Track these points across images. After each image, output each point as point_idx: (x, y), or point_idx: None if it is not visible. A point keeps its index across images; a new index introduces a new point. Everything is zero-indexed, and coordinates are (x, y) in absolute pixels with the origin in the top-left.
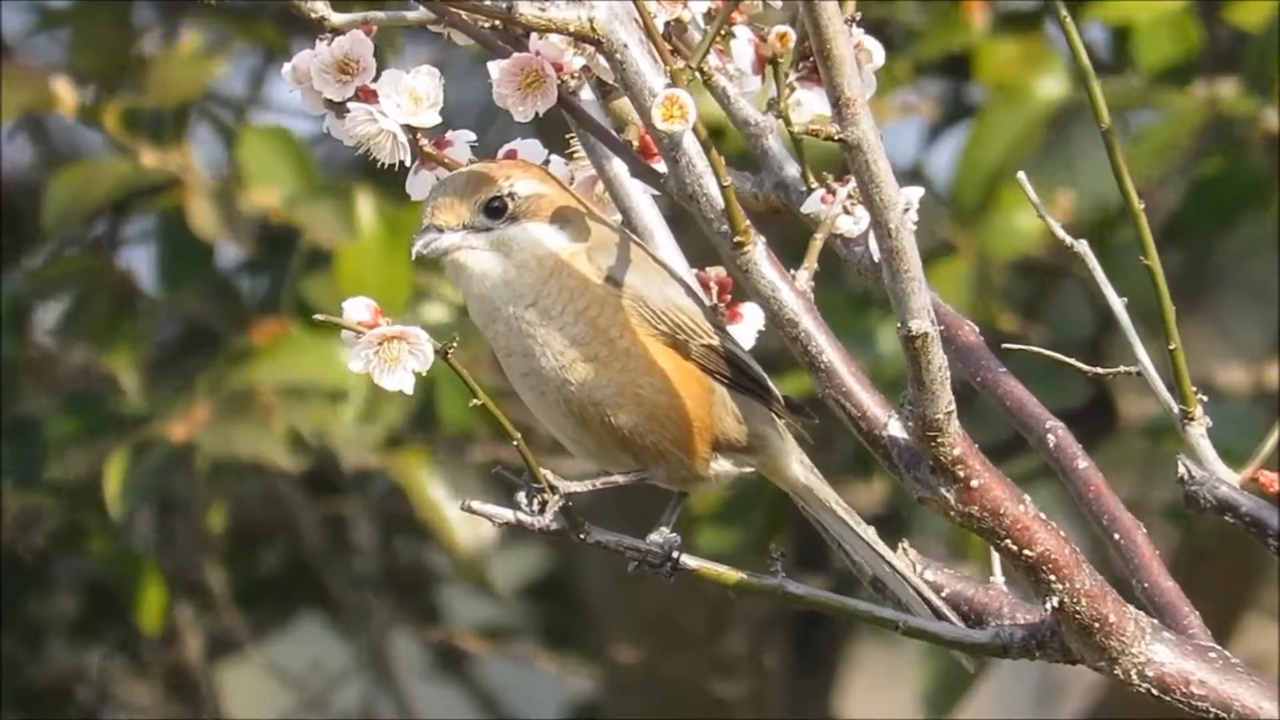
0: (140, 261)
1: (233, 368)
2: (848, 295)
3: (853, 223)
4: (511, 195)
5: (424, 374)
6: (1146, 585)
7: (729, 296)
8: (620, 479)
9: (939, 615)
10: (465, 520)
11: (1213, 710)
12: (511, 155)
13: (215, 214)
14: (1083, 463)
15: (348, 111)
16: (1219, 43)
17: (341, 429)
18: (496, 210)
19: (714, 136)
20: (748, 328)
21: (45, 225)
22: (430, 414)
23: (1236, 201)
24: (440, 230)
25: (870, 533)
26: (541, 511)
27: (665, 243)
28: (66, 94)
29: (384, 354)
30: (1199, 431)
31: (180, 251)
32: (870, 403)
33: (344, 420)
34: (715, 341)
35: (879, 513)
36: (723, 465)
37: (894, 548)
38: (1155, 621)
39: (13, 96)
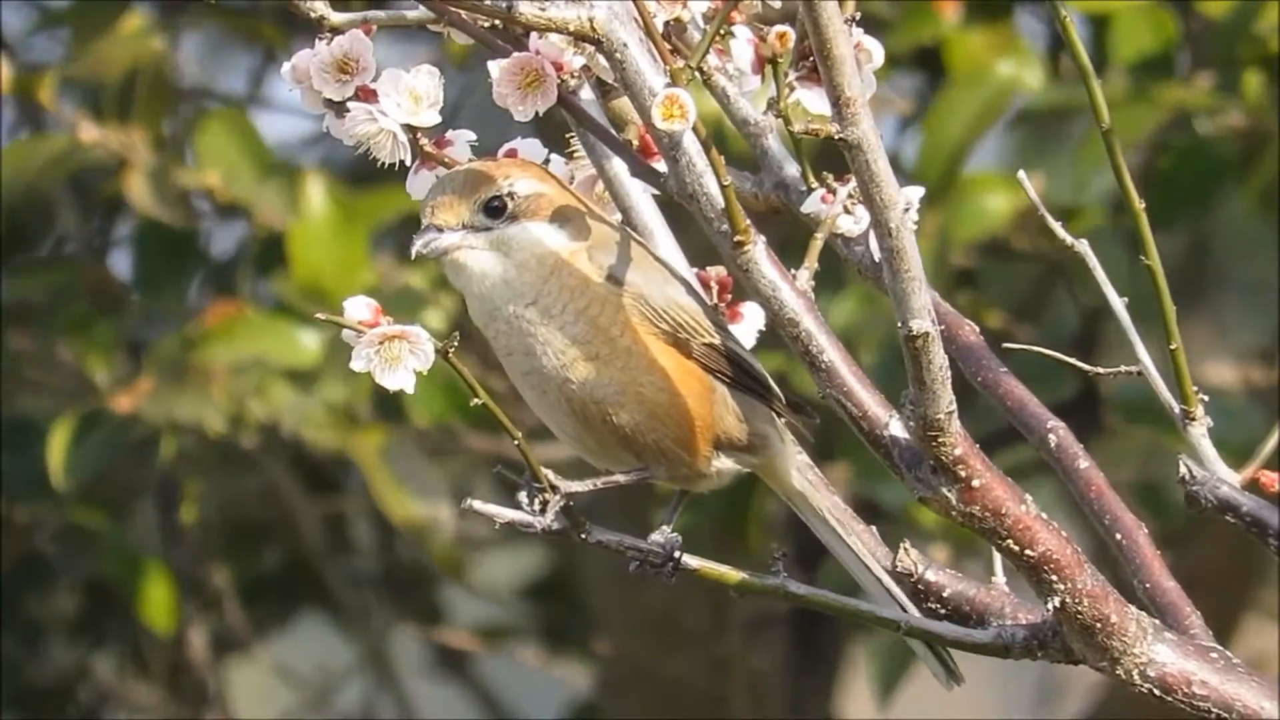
0: (120, 263)
1: (184, 347)
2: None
3: (853, 222)
4: (511, 194)
5: (425, 373)
6: (1148, 585)
7: (729, 296)
8: (621, 478)
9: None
10: (424, 508)
11: (1214, 710)
12: (512, 154)
13: (151, 190)
14: (1084, 462)
15: (347, 111)
16: (1194, 37)
17: (283, 400)
18: (496, 210)
19: (715, 137)
20: (748, 327)
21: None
22: (395, 401)
23: (1194, 194)
24: (440, 230)
25: (860, 542)
26: (543, 511)
27: (665, 242)
28: (4, 70)
29: (385, 353)
30: (1200, 431)
31: (158, 250)
32: (871, 402)
33: (288, 392)
34: (716, 340)
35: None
36: (724, 463)
37: (895, 547)
38: (1157, 622)
39: None
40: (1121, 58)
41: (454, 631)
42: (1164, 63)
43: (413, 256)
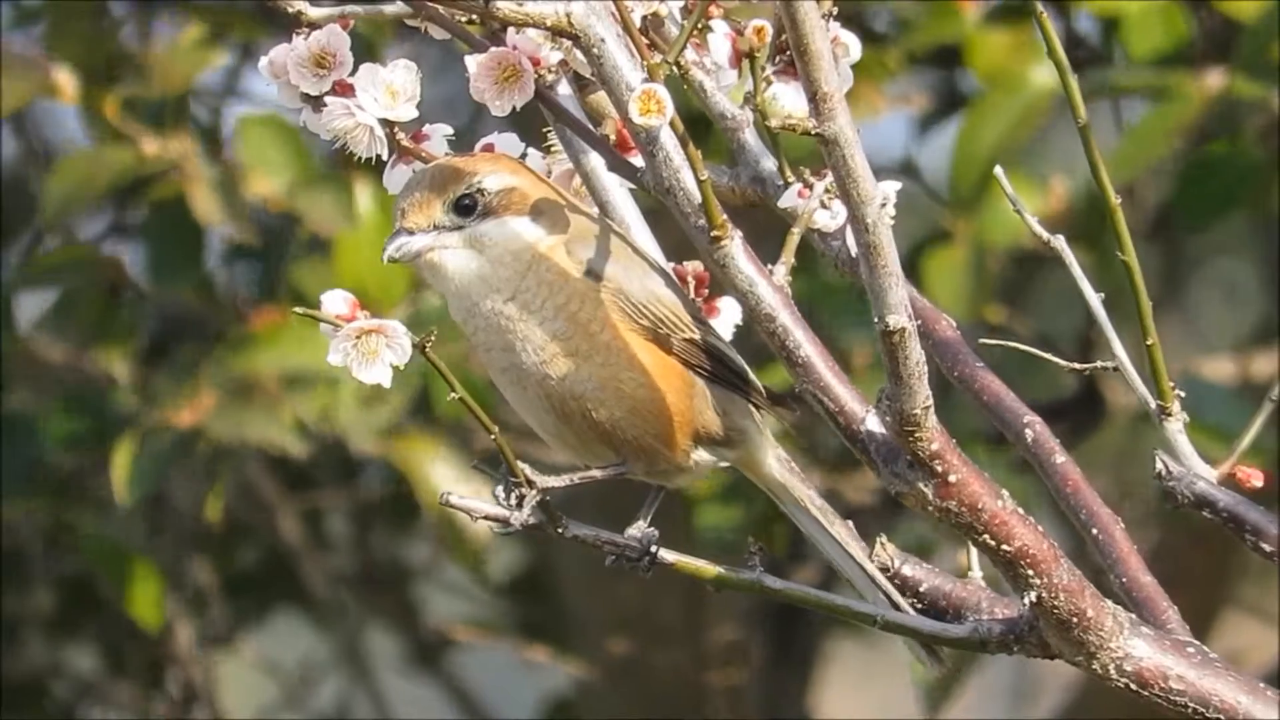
0: (131, 254)
1: (232, 355)
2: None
3: (830, 217)
4: (481, 191)
5: (402, 367)
6: (1124, 580)
7: (706, 291)
8: (599, 473)
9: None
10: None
11: (1190, 705)
12: (489, 149)
13: (217, 201)
14: (1060, 457)
15: (324, 105)
16: (1208, 33)
17: (345, 415)
18: (467, 208)
19: (696, 130)
20: (725, 322)
21: (45, 216)
22: (427, 402)
23: (1234, 188)
24: (410, 233)
25: (843, 532)
26: (519, 506)
27: (642, 237)
28: (67, 83)
29: (362, 348)
30: (1176, 426)
31: (171, 242)
32: (848, 397)
33: (348, 406)
34: (696, 335)
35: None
36: (702, 456)
37: (872, 542)
38: (1133, 616)
39: (13, 85)
40: (1136, 55)
41: (434, 624)
42: (1178, 59)
43: (384, 260)
